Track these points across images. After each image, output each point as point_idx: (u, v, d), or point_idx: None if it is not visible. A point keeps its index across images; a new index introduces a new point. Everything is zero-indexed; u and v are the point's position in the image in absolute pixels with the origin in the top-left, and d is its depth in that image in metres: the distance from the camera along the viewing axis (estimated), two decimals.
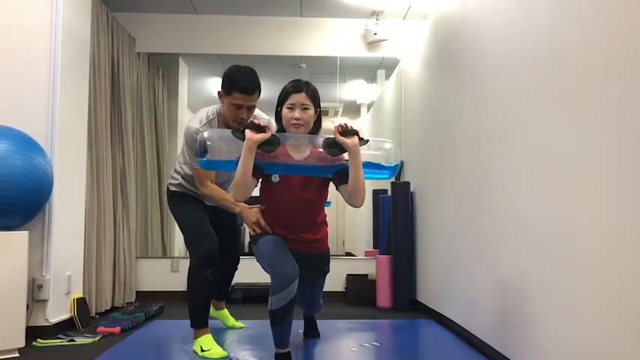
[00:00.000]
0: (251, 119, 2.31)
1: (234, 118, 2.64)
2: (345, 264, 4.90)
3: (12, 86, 3.16)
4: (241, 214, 2.62)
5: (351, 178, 2.22)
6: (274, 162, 2.25)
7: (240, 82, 2.57)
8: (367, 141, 2.28)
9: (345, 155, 2.25)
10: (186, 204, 2.82)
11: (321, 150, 2.25)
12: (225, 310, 3.24)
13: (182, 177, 2.83)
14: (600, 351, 1.71)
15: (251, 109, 2.66)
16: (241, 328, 3.21)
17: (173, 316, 3.80)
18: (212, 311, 3.20)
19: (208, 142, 2.21)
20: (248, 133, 2.17)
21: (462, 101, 3.19)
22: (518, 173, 2.35)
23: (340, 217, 6.32)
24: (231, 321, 3.23)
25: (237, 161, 2.18)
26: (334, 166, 2.29)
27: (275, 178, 2.36)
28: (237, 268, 3.13)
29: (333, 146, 2.23)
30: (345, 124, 2.23)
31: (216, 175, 2.75)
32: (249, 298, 4.46)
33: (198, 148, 2.23)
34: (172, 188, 2.88)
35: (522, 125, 2.32)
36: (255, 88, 2.61)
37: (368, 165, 2.30)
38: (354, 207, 2.31)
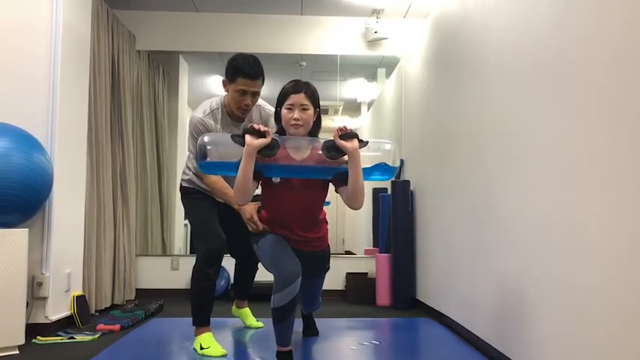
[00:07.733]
0: (251, 124, 2.30)
1: (239, 105, 2.69)
2: (345, 262, 4.90)
3: (12, 84, 3.15)
4: (240, 209, 2.66)
5: (350, 181, 2.21)
6: (274, 164, 2.23)
7: (244, 67, 2.63)
8: (367, 143, 2.25)
9: (345, 157, 2.23)
10: (196, 201, 2.83)
11: (321, 152, 2.24)
12: (247, 309, 3.25)
13: (193, 173, 2.84)
14: (600, 350, 1.71)
15: (255, 95, 2.70)
16: (260, 327, 3.18)
17: (173, 314, 3.81)
18: (234, 309, 3.26)
19: (208, 147, 2.20)
20: (248, 138, 2.15)
21: (462, 99, 3.19)
22: (518, 172, 2.35)
23: (340, 216, 6.31)
24: (251, 320, 3.22)
25: (237, 165, 2.17)
26: (334, 168, 2.28)
27: (276, 179, 2.36)
28: (257, 268, 3.05)
29: (333, 149, 2.21)
30: (345, 127, 2.21)
31: None
32: (250, 297, 4.45)
33: (198, 153, 2.22)
34: (184, 184, 2.90)
35: (522, 124, 2.31)
36: (259, 73, 2.67)
37: (368, 167, 2.28)
38: (353, 209, 2.31)
